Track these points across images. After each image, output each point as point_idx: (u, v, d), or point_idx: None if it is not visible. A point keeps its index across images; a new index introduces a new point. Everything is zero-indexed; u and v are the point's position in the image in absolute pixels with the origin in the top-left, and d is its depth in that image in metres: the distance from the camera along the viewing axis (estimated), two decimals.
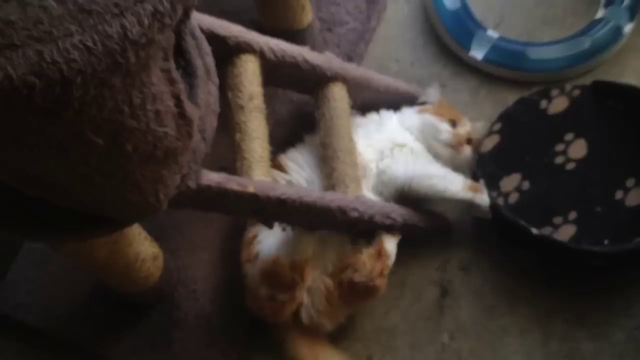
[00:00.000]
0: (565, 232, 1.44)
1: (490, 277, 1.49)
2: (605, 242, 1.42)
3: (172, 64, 0.88)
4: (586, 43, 1.64)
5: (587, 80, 1.61)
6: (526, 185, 1.51)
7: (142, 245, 1.29)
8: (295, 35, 1.59)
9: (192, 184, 1.08)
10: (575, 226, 1.45)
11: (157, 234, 1.48)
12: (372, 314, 1.48)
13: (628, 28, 1.65)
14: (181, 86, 0.89)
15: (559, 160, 1.53)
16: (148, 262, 1.34)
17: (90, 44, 0.66)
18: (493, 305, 1.46)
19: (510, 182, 1.51)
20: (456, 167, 1.48)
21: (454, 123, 1.51)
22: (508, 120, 1.57)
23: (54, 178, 0.81)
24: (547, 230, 1.44)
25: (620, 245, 1.40)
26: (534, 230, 1.39)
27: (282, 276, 1.32)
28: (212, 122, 1.08)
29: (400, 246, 1.47)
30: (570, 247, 1.39)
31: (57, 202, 0.89)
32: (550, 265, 1.47)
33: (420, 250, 1.51)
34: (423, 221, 1.46)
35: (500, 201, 1.48)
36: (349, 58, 1.69)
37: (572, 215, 1.46)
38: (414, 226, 1.44)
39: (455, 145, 1.49)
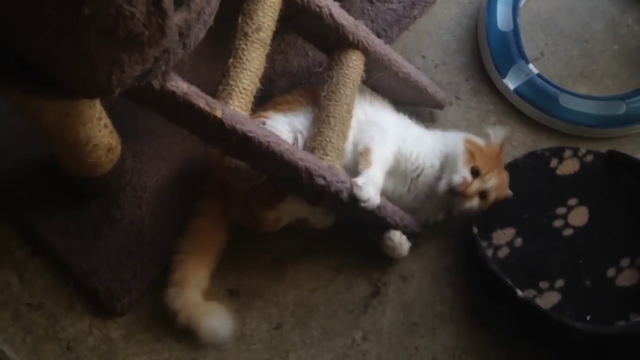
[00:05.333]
0: (549, 299, 1.40)
1: (425, 296, 1.44)
2: (588, 318, 1.38)
3: None
4: (622, 109, 1.58)
5: (603, 147, 1.55)
6: (519, 242, 1.46)
7: (98, 131, 1.26)
8: None
9: (156, 83, 1.05)
10: (560, 295, 1.40)
11: (128, 131, 1.47)
12: (299, 287, 1.45)
13: None
14: None
15: (558, 223, 1.48)
16: (100, 151, 1.31)
17: None
18: (416, 323, 1.42)
19: (504, 236, 1.47)
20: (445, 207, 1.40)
21: (477, 173, 1.35)
22: (515, 172, 1.50)
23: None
24: (531, 293, 1.39)
25: (601, 325, 1.36)
26: (519, 293, 1.33)
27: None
28: (198, 32, 1.04)
29: (350, 233, 1.46)
30: (552, 318, 1.33)
31: (3, 40, 0.86)
32: (490, 310, 1.43)
33: (368, 244, 1.47)
34: (393, 218, 1.39)
35: (490, 253, 1.44)
36: (378, 37, 1.61)
37: (559, 283, 1.42)
38: (382, 219, 1.37)
39: (458, 194, 1.34)
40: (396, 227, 1.40)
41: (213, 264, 1.40)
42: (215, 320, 1.35)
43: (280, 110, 1.42)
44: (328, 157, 1.31)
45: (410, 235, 1.45)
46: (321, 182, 1.27)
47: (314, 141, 1.33)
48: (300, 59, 1.63)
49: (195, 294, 1.36)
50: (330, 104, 1.36)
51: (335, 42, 1.39)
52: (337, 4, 1.36)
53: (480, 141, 1.41)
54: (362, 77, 1.40)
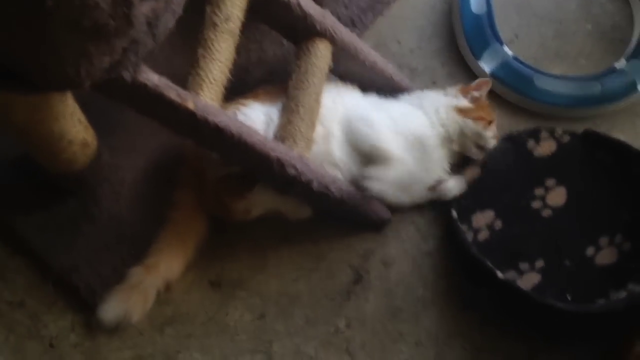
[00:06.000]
0: (530, 280, 1.40)
1: (407, 281, 1.45)
2: (568, 297, 1.38)
3: None
4: (597, 88, 1.59)
5: (579, 127, 1.56)
6: (498, 224, 1.46)
7: (71, 127, 1.25)
8: None
9: (127, 76, 1.04)
10: (540, 275, 1.41)
11: (104, 126, 1.46)
12: (281, 276, 1.44)
13: None
14: None
15: (536, 204, 1.48)
16: (75, 146, 1.30)
17: None
18: (400, 308, 1.42)
19: (483, 219, 1.47)
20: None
21: (490, 123, 1.47)
22: (492, 155, 1.51)
23: None
24: (511, 275, 1.40)
25: (582, 304, 1.36)
26: (499, 274, 1.33)
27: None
28: (167, 22, 1.03)
29: (332, 221, 1.46)
30: (533, 298, 1.33)
31: None
32: (472, 293, 1.43)
33: (350, 231, 1.48)
34: (363, 205, 1.41)
35: (470, 237, 1.44)
36: (353, 23, 1.64)
37: (539, 263, 1.42)
38: (351, 207, 1.39)
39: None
40: (366, 215, 1.41)
41: (191, 254, 1.40)
42: (108, 304, 1.33)
43: (260, 99, 1.42)
44: (298, 147, 1.32)
45: (380, 222, 1.47)
46: (292, 172, 1.28)
47: (284, 131, 1.34)
48: (276, 47, 1.62)
49: (154, 281, 1.35)
50: (299, 93, 1.36)
51: (302, 32, 1.39)
52: None
53: (463, 100, 1.48)
54: (330, 66, 1.41)
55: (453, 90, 1.50)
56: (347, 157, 1.39)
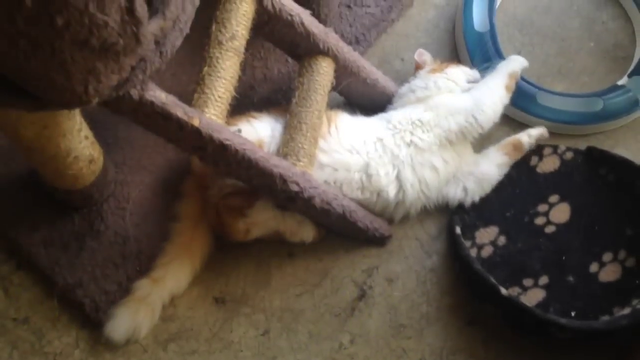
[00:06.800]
0: (534, 296, 1.40)
1: (411, 297, 1.45)
2: (572, 314, 1.38)
3: None
4: (599, 105, 1.59)
5: (582, 144, 1.56)
6: (502, 240, 1.47)
7: (78, 143, 1.25)
8: None
9: (134, 93, 1.05)
10: (545, 292, 1.41)
11: (110, 142, 1.49)
12: (285, 292, 1.45)
13: None
14: None
15: (540, 221, 1.49)
16: (81, 163, 1.31)
17: None
18: (403, 324, 1.42)
19: (487, 235, 1.48)
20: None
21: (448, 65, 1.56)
22: None
23: None
24: (515, 291, 1.40)
25: (586, 320, 1.36)
26: (503, 291, 1.34)
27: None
28: (175, 40, 1.04)
29: (335, 237, 1.47)
30: (537, 314, 1.33)
31: None
32: (476, 309, 1.43)
33: (354, 247, 1.48)
34: (364, 222, 1.42)
35: (474, 252, 1.44)
36: (357, 41, 1.65)
37: (543, 280, 1.42)
38: (352, 223, 1.40)
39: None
40: (366, 231, 1.42)
41: (198, 266, 1.40)
42: (117, 321, 1.34)
43: (272, 114, 1.45)
44: (301, 163, 1.33)
45: (381, 239, 1.47)
46: (295, 188, 1.29)
47: (287, 147, 1.35)
48: (281, 65, 1.63)
49: (161, 294, 1.36)
50: (301, 110, 1.37)
51: (305, 50, 1.41)
52: (308, 12, 1.38)
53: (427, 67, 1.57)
54: (332, 83, 1.42)
55: (414, 75, 1.56)
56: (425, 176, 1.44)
